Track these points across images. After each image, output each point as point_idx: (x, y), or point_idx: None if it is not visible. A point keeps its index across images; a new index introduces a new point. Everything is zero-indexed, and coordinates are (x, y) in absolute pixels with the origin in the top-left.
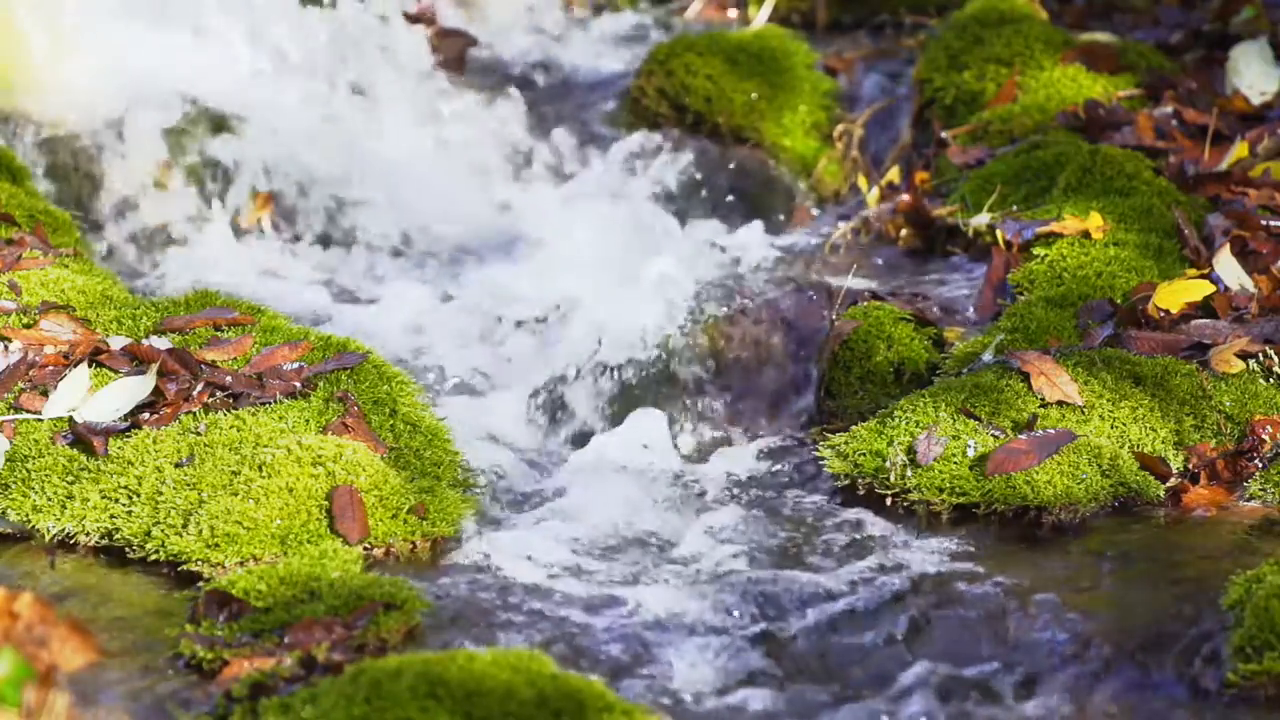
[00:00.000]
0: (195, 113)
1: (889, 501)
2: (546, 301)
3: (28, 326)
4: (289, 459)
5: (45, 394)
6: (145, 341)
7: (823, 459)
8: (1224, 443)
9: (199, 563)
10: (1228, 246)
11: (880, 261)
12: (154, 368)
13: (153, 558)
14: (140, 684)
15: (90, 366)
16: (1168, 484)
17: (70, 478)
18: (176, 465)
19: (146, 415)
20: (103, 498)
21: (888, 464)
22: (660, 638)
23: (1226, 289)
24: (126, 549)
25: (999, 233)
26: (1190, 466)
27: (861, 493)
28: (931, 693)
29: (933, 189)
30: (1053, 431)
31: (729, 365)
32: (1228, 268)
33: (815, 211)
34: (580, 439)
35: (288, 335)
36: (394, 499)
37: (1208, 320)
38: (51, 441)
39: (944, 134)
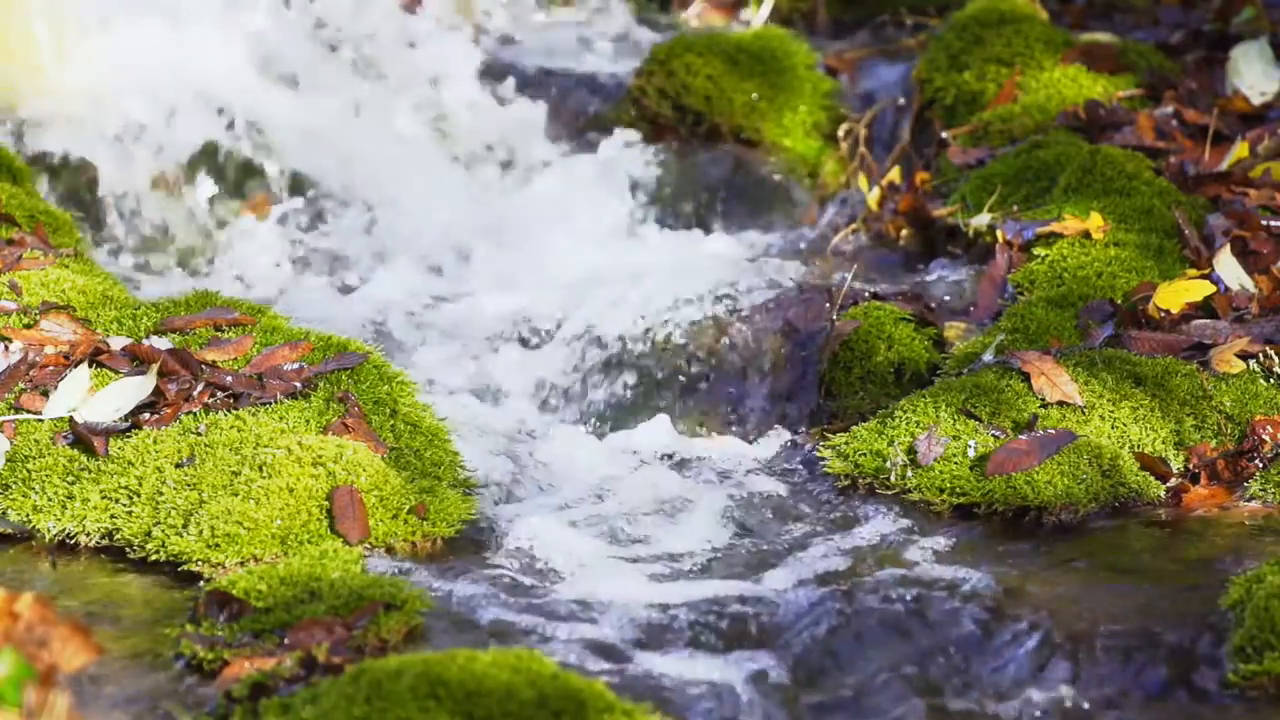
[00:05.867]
0: (198, 112)
1: (889, 502)
2: (544, 301)
3: (28, 327)
4: (289, 459)
5: (45, 394)
6: (146, 342)
7: (823, 459)
8: (1224, 443)
9: (199, 563)
10: (1228, 247)
11: (880, 261)
12: (154, 368)
13: (153, 558)
14: (140, 684)
15: (91, 367)
16: (1168, 484)
17: (71, 478)
18: (177, 465)
19: (147, 415)
20: (103, 498)
21: (888, 464)
22: (660, 637)
23: (1227, 289)
24: (127, 549)
25: (999, 233)
26: (1190, 466)
27: (862, 493)
28: (931, 692)
29: (933, 189)
30: (1053, 432)
31: (729, 365)
32: (1228, 268)
33: (815, 211)
34: (579, 439)
35: (288, 335)
36: (394, 499)
37: (1208, 320)
38: (52, 442)
39: (944, 134)
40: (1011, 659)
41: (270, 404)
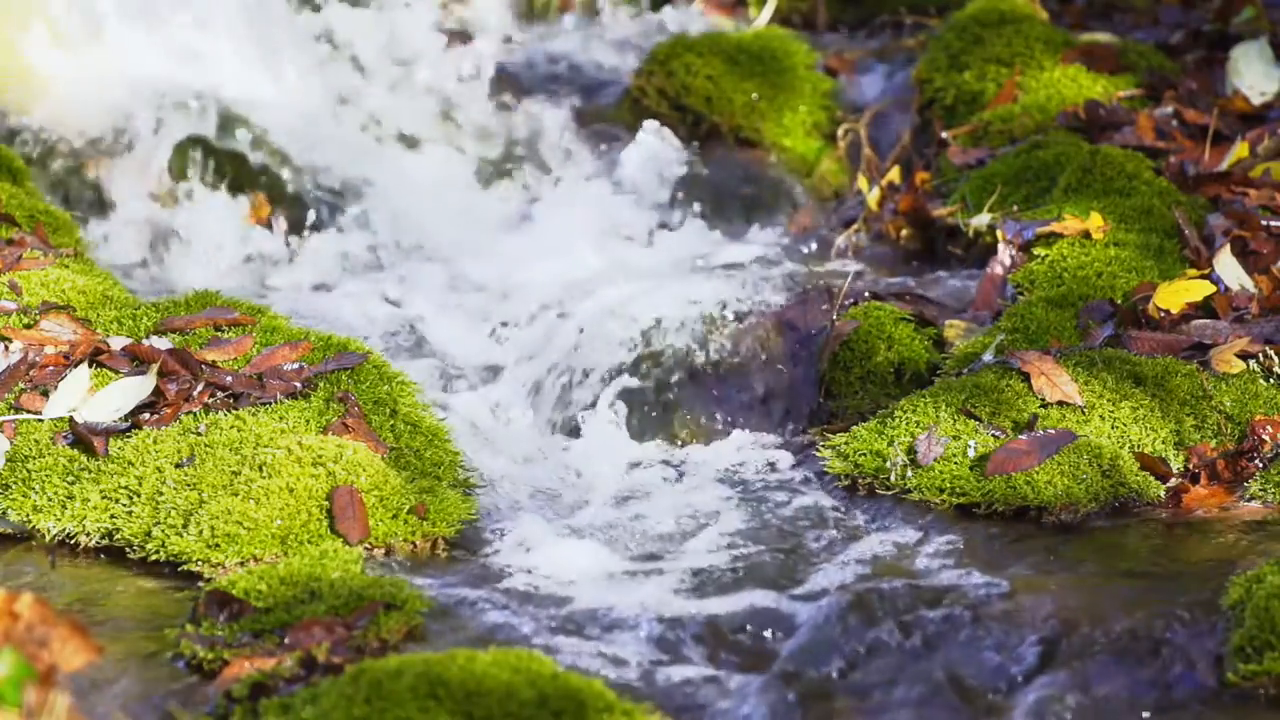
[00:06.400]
0: (198, 114)
1: (889, 501)
2: (545, 302)
3: (28, 326)
4: (289, 459)
5: (45, 394)
6: (146, 341)
7: (823, 459)
8: (1224, 443)
9: (199, 563)
10: (1228, 247)
11: (880, 262)
12: (154, 368)
13: (153, 558)
14: (140, 684)
15: (91, 367)
16: (1168, 484)
17: (70, 478)
18: (177, 465)
19: (147, 415)
20: (103, 498)
21: (888, 464)
22: (659, 637)
23: (1227, 289)
24: (127, 549)
25: (999, 233)
26: (1190, 467)
27: (862, 493)
28: (931, 693)
29: (933, 189)
30: (1053, 432)
31: (729, 365)
32: (1228, 268)
33: (815, 211)
34: (579, 439)
35: (288, 335)
36: (394, 499)
37: (1208, 320)
38: (52, 442)
39: (944, 134)
40: (1012, 660)
41: (270, 404)
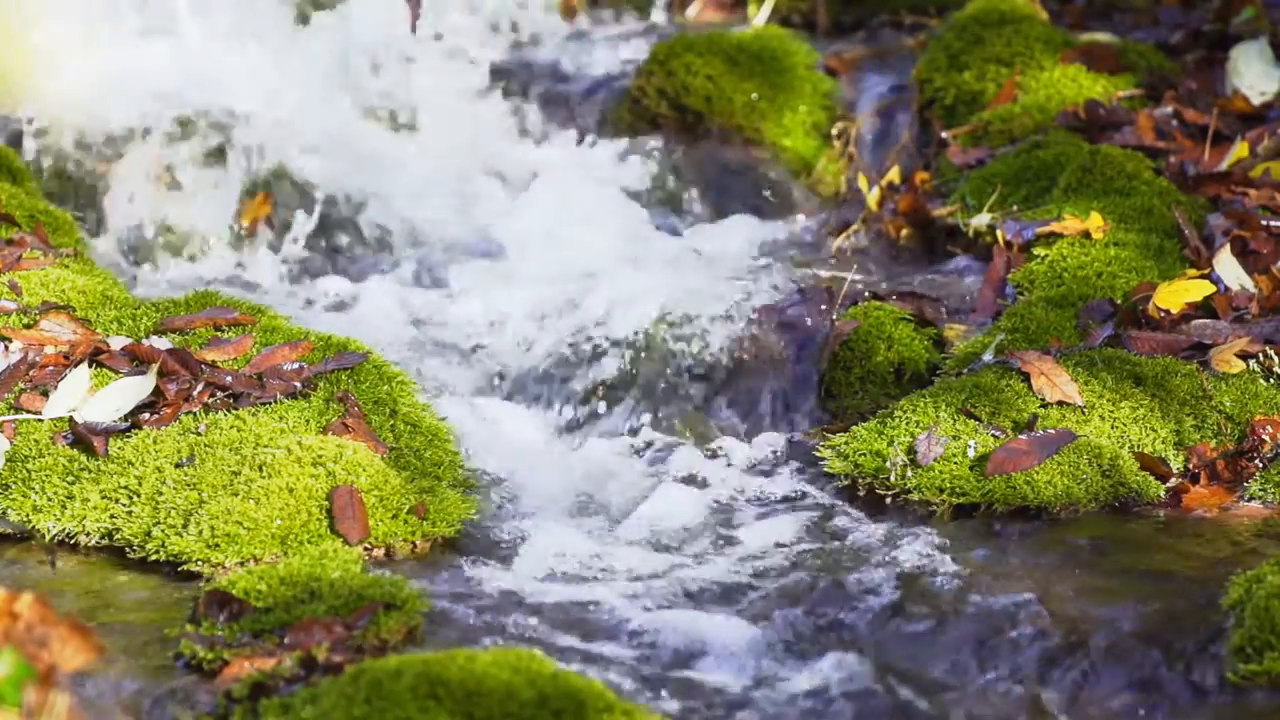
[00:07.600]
0: (195, 115)
1: (889, 502)
2: (544, 303)
3: (28, 326)
4: (289, 459)
5: (45, 394)
6: (145, 341)
7: (823, 459)
8: (1224, 443)
9: (199, 563)
10: (1228, 246)
11: (880, 261)
12: (154, 368)
13: (153, 558)
14: (140, 684)
15: (90, 367)
16: (1168, 484)
17: (70, 478)
18: (177, 465)
19: (147, 415)
20: (103, 498)
21: (888, 464)
22: (659, 637)
23: (1227, 289)
24: (127, 549)
25: (999, 233)
26: (1190, 467)
27: (862, 493)
28: (931, 694)
29: (933, 189)
30: (1053, 432)
31: (729, 365)
32: (1228, 268)
33: (815, 211)
34: (579, 439)
35: (288, 335)
36: (394, 499)
37: (1208, 320)
38: (52, 441)
39: (944, 134)
40: (1012, 660)
41: (270, 404)
